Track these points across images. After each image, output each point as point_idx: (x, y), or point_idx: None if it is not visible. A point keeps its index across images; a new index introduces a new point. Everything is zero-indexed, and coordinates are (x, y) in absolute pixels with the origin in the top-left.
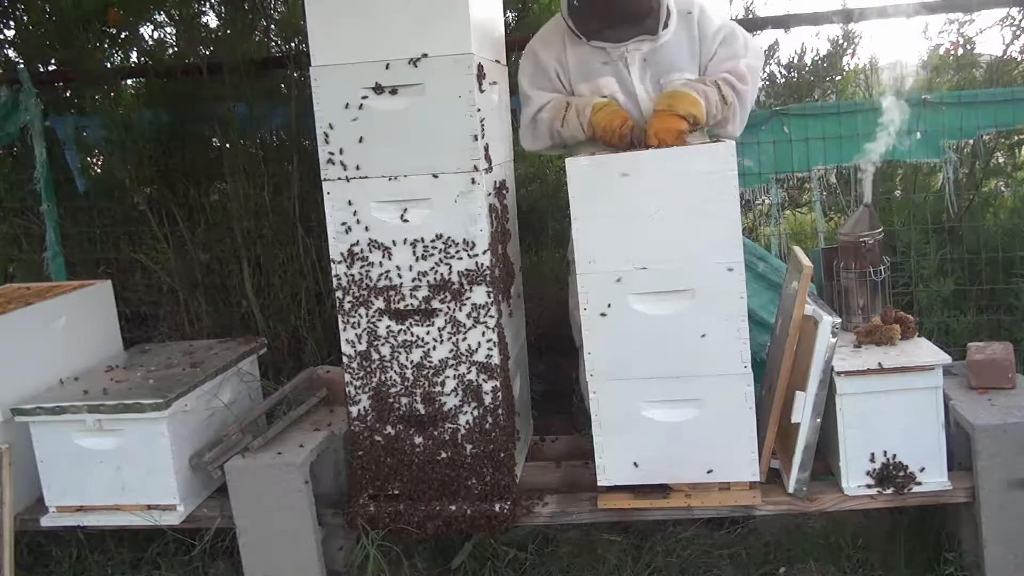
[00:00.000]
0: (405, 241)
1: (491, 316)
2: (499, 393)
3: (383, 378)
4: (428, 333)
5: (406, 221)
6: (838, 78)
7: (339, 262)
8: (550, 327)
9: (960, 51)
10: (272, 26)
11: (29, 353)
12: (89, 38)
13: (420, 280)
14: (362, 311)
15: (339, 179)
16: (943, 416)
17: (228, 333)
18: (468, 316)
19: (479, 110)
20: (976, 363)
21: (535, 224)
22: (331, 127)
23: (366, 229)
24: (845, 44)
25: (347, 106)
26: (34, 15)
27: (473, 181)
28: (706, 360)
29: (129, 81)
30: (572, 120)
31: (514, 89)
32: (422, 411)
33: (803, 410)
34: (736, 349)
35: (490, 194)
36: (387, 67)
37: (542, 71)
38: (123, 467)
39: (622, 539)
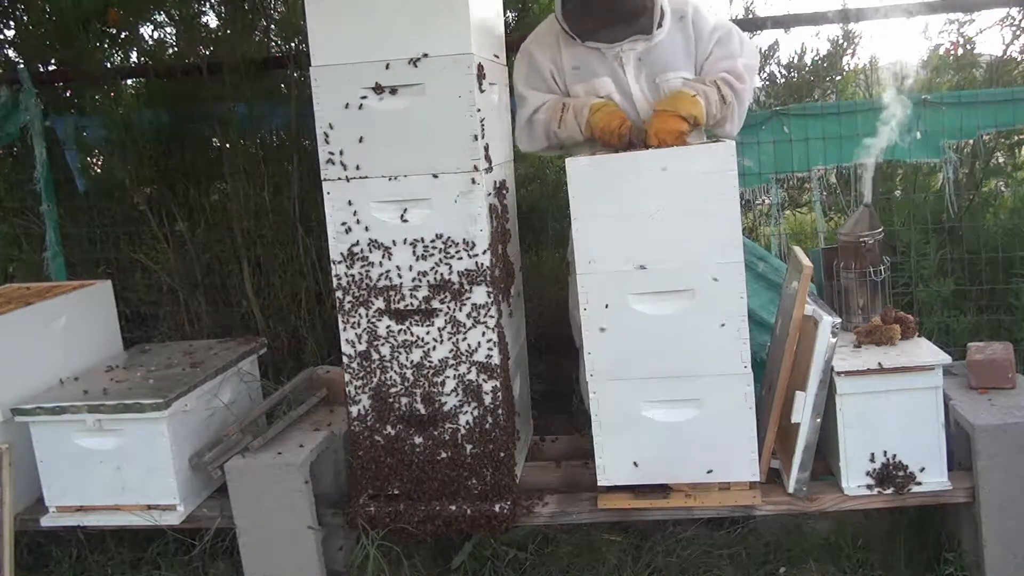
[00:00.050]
0: (405, 241)
1: (491, 316)
2: (499, 393)
3: (383, 378)
4: (428, 333)
5: (406, 221)
6: (838, 78)
7: (339, 262)
8: (550, 327)
9: (960, 51)
10: (272, 26)
11: (29, 353)
12: (89, 38)
13: (420, 280)
14: (362, 311)
15: (339, 179)
16: (943, 416)
17: (228, 333)
18: (468, 316)
19: (479, 110)
20: (976, 363)
21: (535, 224)
22: (331, 127)
23: (366, 229)
24: (845, 44)
25: (347, 106)
26: (34, 15)
27: (473, 181)
28: (706, 360)
29: (129, 81)
30: (570, 121)
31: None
32: (422, 411)
33: (803, 410)
34: (736, 349)
35: (490, 194)
36: (387, 67)
37: (537, 72)
38: (123, 467)
39: (622, 539)
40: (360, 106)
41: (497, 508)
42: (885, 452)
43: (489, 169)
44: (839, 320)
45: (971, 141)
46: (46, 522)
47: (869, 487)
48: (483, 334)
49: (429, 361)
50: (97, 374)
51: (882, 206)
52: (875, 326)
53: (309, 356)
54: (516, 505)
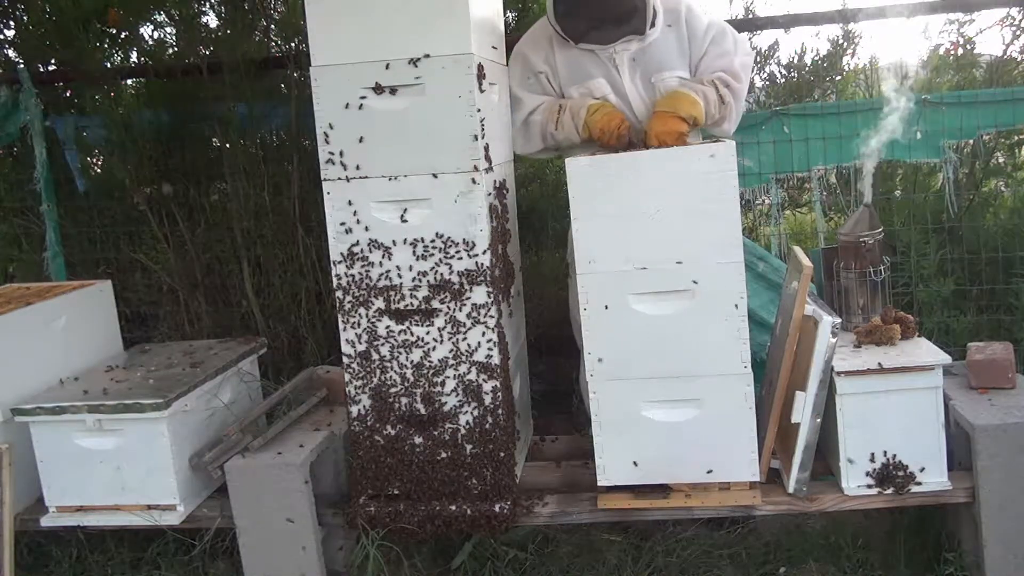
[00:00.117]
0: (405, 241)
1: (491, 316)
2: (499, 393)
3: (383, 378)
4: (428, 333)
5: (406, 221)
6: (838, 78)
7: (339, 262)
8: (550, 327)
9: (960, 51)
10: (272, 26)
11: (29, 353)
12: (89, 38)
13: (420, 280)
14: (362, 311)
15: (339, 179)
16: (943, 416)
17: (228, 333)
18: (468, 316)
19: (479, 110)
20: (976, 363)
21: (535, 224)
22: (331, 127)
23: (366, 229)
24: (845, 44)
25: (347, 106)
26: (34, 15)
27: (473, 181)
28: (706, 360)
29: (129, 81)
30: (567, 123)
31: None
32: (422, 411)
33: (803, 410)
34: (736, 349)
35: (490, 194)
36: (387, 67)
37: (531, 74)
38: (123, 467)
39: (622, 539)
40: (360, 106)
41: (497, 508)
42: (885, 452)
43: (489, 169)
44: (839, 320)
45: (971, 141)
46: (46, 522)
47: (869, 487)
48: (483, 334)
49: (429, 361)
50: (97, 374)
51: (882, 206)
52: (875, 326)
53: (309, 356)
54: (516, 505)
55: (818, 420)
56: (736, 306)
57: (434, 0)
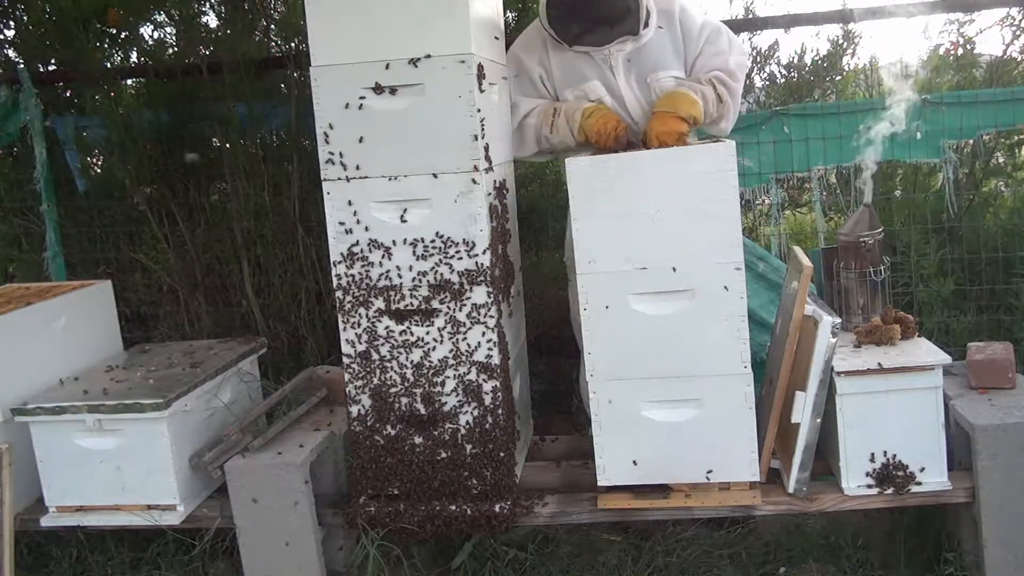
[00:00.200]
0: (405, 241)
1: (491, 316)
2: (499, 393)
3: (383, 378)
4: (428, 333)
5: (406, 221)
6: (838, 78)
7: (339, 262)
8: (550, 327)
9: (960, 51)
10: (272, 26)
11: (29, 353)
12: (89, 38)
13: (420, 280)
14: (362, 311)
15: (339, 179)
16: (943, 416)
17: (228, 333)
18: (468, 316)
19: (479, 110)
20: (976, 363)
21: (535, 224)
22: (331, 127)
23: (366, 229)
24: (845, 44)
25: (347, 106)
26: (34, 15)
27: (473, 181)
28: (706, 360)
29: (129, 81)
30: (562, 126)
31: None
32: (422, 411)
33: (803, 410)
34: (736, 349)
35: (490, 194)
36: (387, 67)
37: (526, 77)
38: (123, 467)
39: (622, 539)
40: (360, 106)
41: (497, 508)
42: (885, 452)
43: (489, 169)
44: (839, 320)
45: (971, 141)
46: (46, 522)
47: (869, 487)
48: (483, 334)
49: (429, 361)
50: (97, 374)
51: (882, 206)
52: (875, 326)
53: (309, 356)
54: (516, 505)
55: (818, 420)
56: (736, 306)
57: (434, 0)
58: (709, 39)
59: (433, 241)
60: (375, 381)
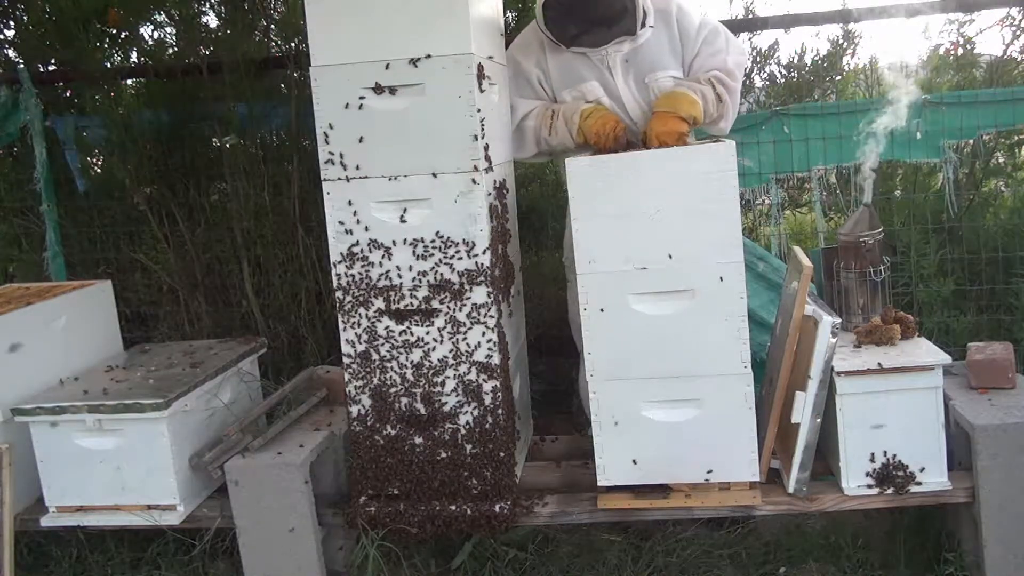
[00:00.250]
0: (405, 241)
1: (491, 316)
2: (499, 393)
3: (383, 378)
4: (428, 333)
5: (406, 221)
6: (838, 78)
7: (339, 262)
8: (550, 327)
9: (960, 51)
10: (272, 26)
11: (29, 353)
12: (89, 38)
13: (420, 280)
14: (362, 311)
15: (339, 179)
16: (943, 416)
17: (228, 333)
18: (468, 316)
19: (479, 110)
20: (976, 363)
21: (535, 224)
22: (331, 127)
23: (366, 229)
24: (845, 44)
25: (347, 106)
26: (34, 15)
27: (473, 181)
28: (706, 360)
29: (129, 81)
30: (560, 128)
31: None
32: (422, 411)
33: (803, 410)
34: (736, 349)
35: (490, 194)
36: (387, 67)
37: (524, 78)
38: (123, 467)
39: (622, 539)
40: (360, 106)
41: (497, 508)
42: (885, 452)
43: (489, 169)
44: (839, 320)
45: (971, 141)
46: (46, 522)
47: (869, 487)
48: (483, 334)
49: (429, 361)
50: (97, 374)
51: (882, 206)
52: (875, 326)
53: (309, 356)
54: (516, 505)
55: (818, 420)
56: (736, 306)
57: (434, 0)
58: (707, 39)
59: (433, 241)
60: (375, 381)
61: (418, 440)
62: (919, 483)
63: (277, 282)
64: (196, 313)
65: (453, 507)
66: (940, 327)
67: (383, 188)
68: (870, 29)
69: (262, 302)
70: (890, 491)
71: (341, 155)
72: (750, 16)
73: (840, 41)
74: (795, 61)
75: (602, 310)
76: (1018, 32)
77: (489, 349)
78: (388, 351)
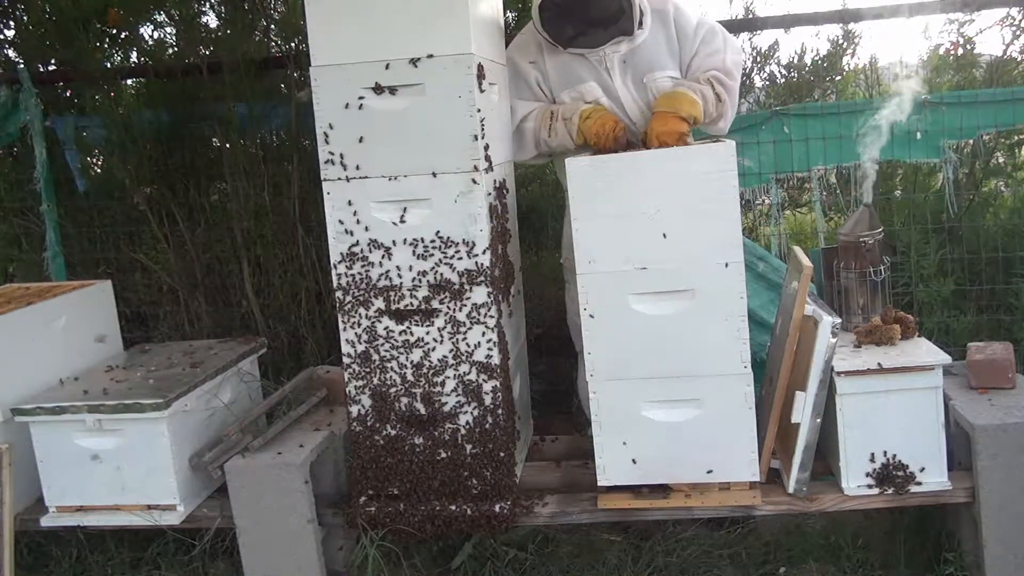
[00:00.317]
0: (405, 241)
1: (491, 316)
2: (499, 393)
3: (383, 378)
4: (428, 333)
5: (405, 221)
6: (838, 78)
7: (339, 262)
8: (550, 327)
9: (960, 51)
10: (272, 26)
11: (29, 353)
12: (89, 38)
13: (420, 280)
14: (362, 311)
15: (339, 179)
16: (943, 416)
17: (228, 333)
18: (468, 316)
19: (479, 110)
20: (976, 363)
21: (535, 224)
22: (331, 127)
23: (366, 229)
24: (845, 44)
25: (347, 106)
26: (34, 15)
27: (473, 181)
28: (706, 360)
29: (129, 81)
30: (560, 129)
31: None
32: (422, 411)
33: (803, 410)
34: (736, 349)
35: (490, 194)
36: (387, 67)
37: (522, 80)
38: (123, 467)
39: (622, 539)
40: (360, 106)
41: (497, 508)
42: (885, 452)
43: (489, 169)
44: (839, 320)
45: (971, 141)
46: (46, 522)
47: (869, 487)
48: (483, 334)
49: (429, 361)
50: (97, 374)
51: (882, 206)
52: (875, 326)
53: (309, 356)
54: (516, 505)
55: (818, 420)
56: (736, 306)
57: (434, 0)
58: (704, 39)
59: (433, 241)
60: (375, 381)
61: (418, 440)
62: (919, 483)
63: (277, 282)
64: (196, 313)
65: (453, 507)
66: (940, 327)
67: (383, 188)
68: (870, 29)
69: (262, 302)
70: (890, 491)
71: (341, 155)
72: (750, 16)
73: (840, 41)
74: (795, 61)
75: (602, 310)
76: (1018, 32)
77: (489, 349)
78: (388, 351)
